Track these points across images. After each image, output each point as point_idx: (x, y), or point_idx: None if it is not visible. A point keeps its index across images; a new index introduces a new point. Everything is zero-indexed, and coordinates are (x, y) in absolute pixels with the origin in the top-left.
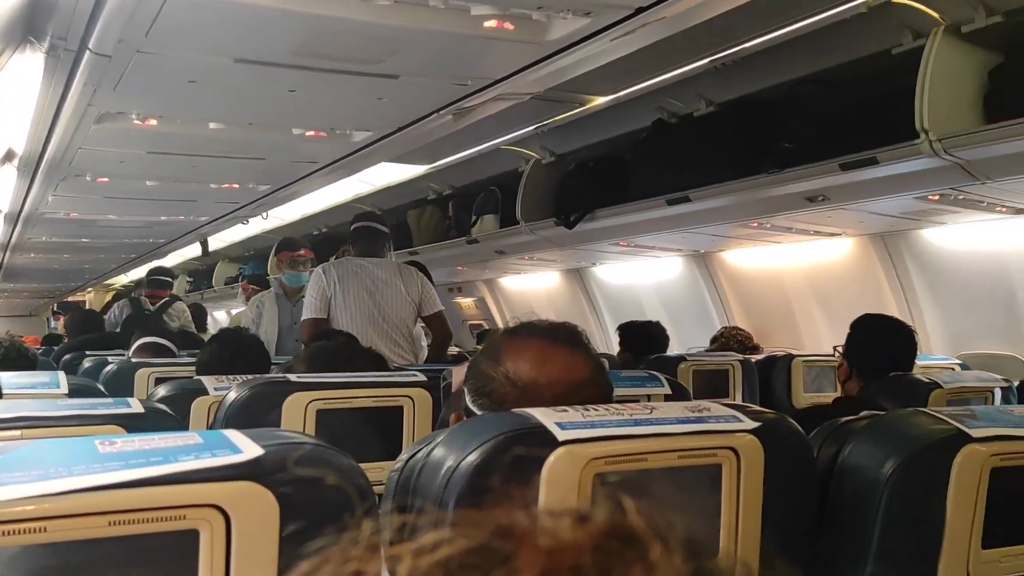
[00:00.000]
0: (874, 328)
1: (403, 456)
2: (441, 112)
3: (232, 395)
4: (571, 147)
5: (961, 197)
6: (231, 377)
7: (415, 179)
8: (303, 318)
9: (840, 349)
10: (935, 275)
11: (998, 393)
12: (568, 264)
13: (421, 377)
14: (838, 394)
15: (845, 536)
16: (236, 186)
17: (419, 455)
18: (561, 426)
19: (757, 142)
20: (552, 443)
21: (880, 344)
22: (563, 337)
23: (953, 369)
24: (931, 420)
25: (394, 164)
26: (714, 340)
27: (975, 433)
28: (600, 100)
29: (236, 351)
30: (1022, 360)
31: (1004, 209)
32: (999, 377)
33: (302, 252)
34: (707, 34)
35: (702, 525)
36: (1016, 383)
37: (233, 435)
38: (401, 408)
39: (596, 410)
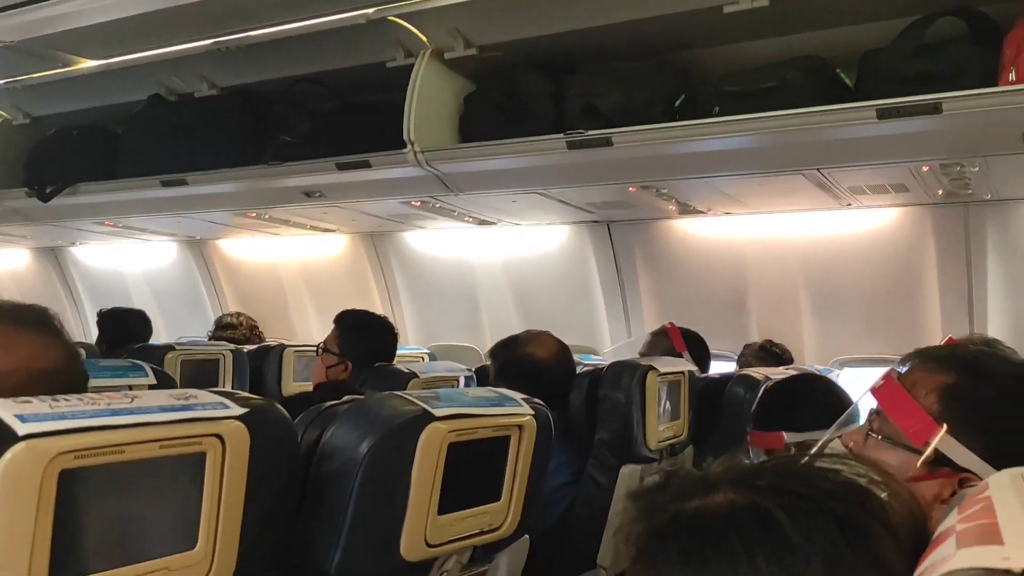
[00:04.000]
0: (362, 322)
1: None
2: None
3: None
4: (52, 110)
5: (438, 205)
6: None
7: None
8: None
9: (324, 344)
10: (413, 274)
11: (462, 380)
12: (41, 242)
13: None
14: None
15: (324, 514)
16: None
17: None
18: (22, 418)
19: (259, 132)
20: (10, 438)
21: (367, 336)
22: (31, 320)
23: (423, 358)
24: (403, 402)
25: None
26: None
27: (438, 412)
28: (90, 64)
29: None
30: (478, 350)
31: (471, 219)
32: (463, 367)
33: None
34: (211, 15)
35: (181, 515)
36: (473, 369)
37: None
38: None
39: (67, 400)
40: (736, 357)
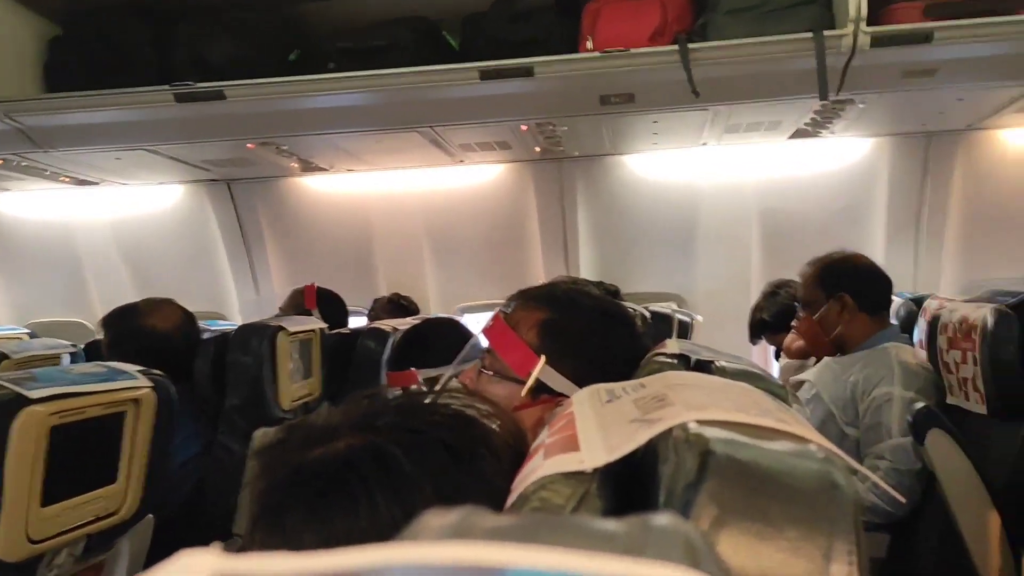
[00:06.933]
0: None
1: None
2: None
3: None
4: None
5: (24, 164)
6: None
7: None
8: None
9: None
10: (1, 243)
11: (66, 358)
12: None
13: None
14: None
15: None
16: None
17: None
18: None
19: None
20: None
21: None
22: None
23: (22, 338)
24: None
25: None
26: None
27: (34, 395)
28: None
29: None
30: (87, 325)
31: (67, 179)
32: (67, 343)
33: None
34: None
35: None
36: (83, 346)
37: None
38: None
39: None
40: (367, 311)
